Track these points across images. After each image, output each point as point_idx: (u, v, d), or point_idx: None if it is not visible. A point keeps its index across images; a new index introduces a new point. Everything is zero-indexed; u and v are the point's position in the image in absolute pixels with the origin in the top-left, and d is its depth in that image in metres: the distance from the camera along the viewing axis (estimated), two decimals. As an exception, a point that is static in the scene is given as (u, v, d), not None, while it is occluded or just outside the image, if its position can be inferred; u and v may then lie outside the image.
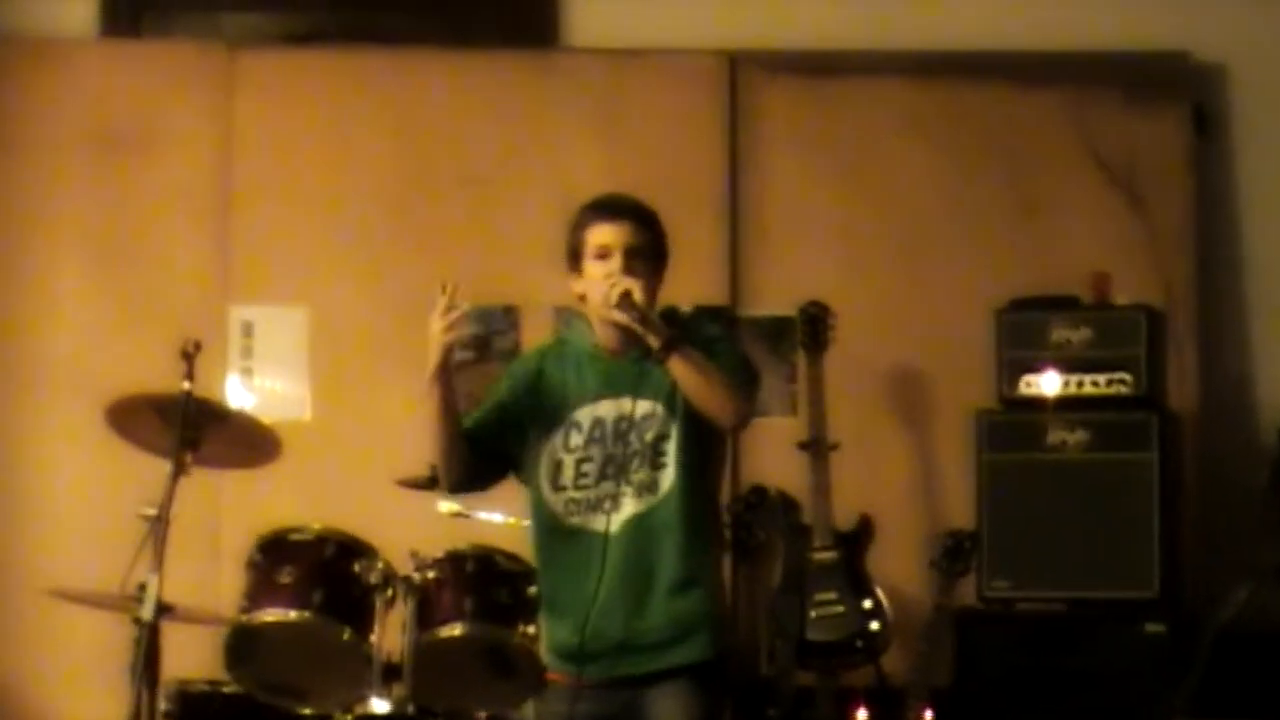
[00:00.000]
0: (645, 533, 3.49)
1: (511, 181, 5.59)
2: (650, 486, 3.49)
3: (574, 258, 3.56)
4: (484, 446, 3.57)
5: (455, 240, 5.61)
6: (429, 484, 4.38)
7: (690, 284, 4.79)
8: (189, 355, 3.96)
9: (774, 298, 5.55)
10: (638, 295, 3.43)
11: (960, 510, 5.29)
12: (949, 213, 5.56)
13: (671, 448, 3.48)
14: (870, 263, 5.57)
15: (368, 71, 5.65)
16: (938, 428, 5.49)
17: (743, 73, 5.59)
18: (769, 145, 5.62)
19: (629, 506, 3.50)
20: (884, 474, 5.47)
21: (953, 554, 5.03)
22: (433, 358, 3.46)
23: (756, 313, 5.56)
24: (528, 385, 3.60)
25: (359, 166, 5.62)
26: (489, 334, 5.50)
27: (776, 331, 5.51)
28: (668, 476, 3.48)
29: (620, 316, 3.44)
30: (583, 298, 3.55)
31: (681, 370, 3.41)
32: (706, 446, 3.52)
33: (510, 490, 3.71)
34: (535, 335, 5.16)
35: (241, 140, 5.61)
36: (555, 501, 3.56)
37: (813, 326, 5.27)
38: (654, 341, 3.40)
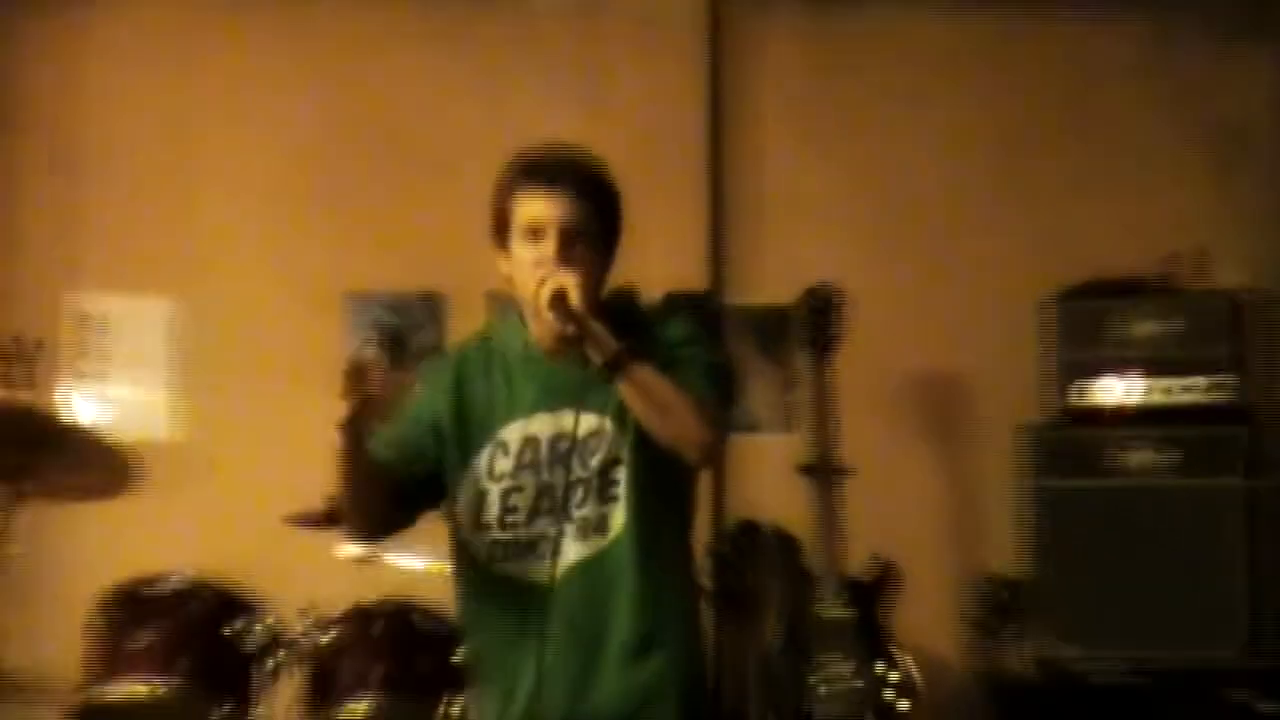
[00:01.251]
0: (592, 584, 3.33)
1: (439, 141, 5.56)
2: (598, 525, 3.33)
3: (500, 230, 3.36)
4: (398, 479, 3.41)
5: (364, 212, 5.60)
6: (327, 520, 4.30)
7: (664, 265, 4.82)
8: (17, 356, 4.18)
9: (768, 282, 5.51)
10: (574, 297, 3.22)
11: (1003, 551, 5.28)
12: (988, 180, 5.56)
13: (624, 475, 3.32)
14: (889, 240, 5.55)
15: (258, 8, 5.62)
16: (974, 447, 5.48)
17: (727, 3, 5.60)
18: (761, 95, 5.60)
19: (571, 551, 3.33)
20: (908, 506, 5.45)
21: (994, 607, 5.07)
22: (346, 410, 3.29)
23: (746, 300, 5.54)
24: (444, 395, 3.44)
25: (242, 127, 5.61)
26: (404, 328, 5.48)
27: (771, 324, 5.49)
28: (620, 512, 3.32)
29: (552, 320, 3.27)
30: (510, 280, 3.36)
31: (631, 394, 3.25)
32: (671, 472, 3.32)
33: (434, 526, 3.53)
34: (464, 329, 5.01)
35: (93, 100, 5.60)
36: (478, 544, 3.38)
37: (819, 318, 5.15)
38: (596, 356, 3.22)
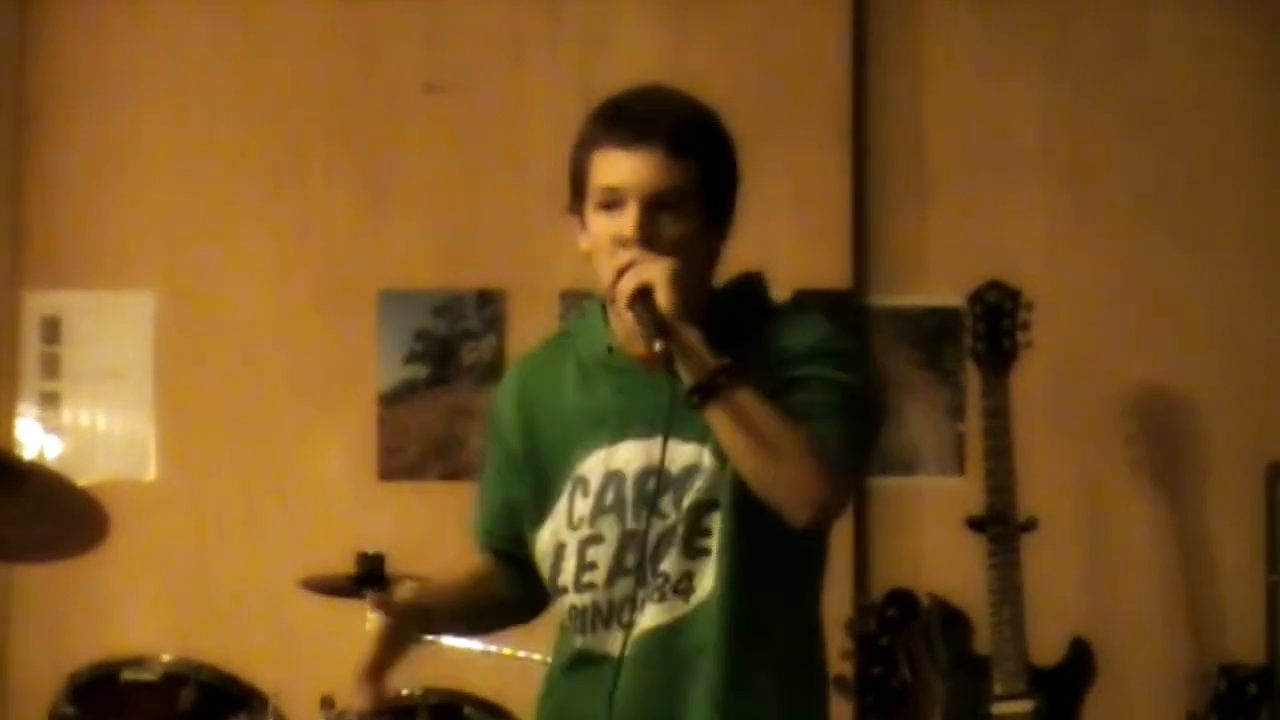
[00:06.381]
0: (663, 660, 3.34)
1: (498, 94, 5.67)
2: (679, 585, 3.32)
3: (577, 194, 3.34)
4: (525, 560, 3.46)
5: (402, 184, 5.68)
6: (355, 585, 4.47)
7: (790, 251, 4.86)
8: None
9: (929, 276, 5.58)
10: (662, 295, 3.19)
11: (1242, 630, 5.34)
12: (1241, 141, 5.58)
13: (720, 524, 3.30)
14: (1100, 223, 5.59)
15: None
16: (1205, 492, 5.51)
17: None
18: (921, 19, 5.65)
19: (646, 616, 3.34)
20: (1112, 570, 5.50)
21: (1230, 704, 5.11)
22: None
23: (897, 300, 5.59)
24: (512, 420, 3.46)
25: (242, 83, 5.72)
26: (452, 336, 5.58)
27: (931, 332, 5.57)
28: (709, 571, 3.31)
29: (633, 322, 3.26)
30: (590, 257, 3.35)
31: (724, 426, 3.22)
32: (786, 525, 3.28)
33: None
34: (530, 338, 4.92)
35: (43, 43, 5.71)
36: (557, 610, 3.44)
37: (993, 324, 5.26)
38: (685, 375, 3.20)
